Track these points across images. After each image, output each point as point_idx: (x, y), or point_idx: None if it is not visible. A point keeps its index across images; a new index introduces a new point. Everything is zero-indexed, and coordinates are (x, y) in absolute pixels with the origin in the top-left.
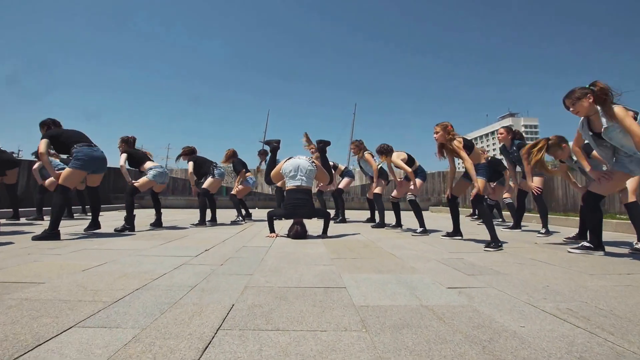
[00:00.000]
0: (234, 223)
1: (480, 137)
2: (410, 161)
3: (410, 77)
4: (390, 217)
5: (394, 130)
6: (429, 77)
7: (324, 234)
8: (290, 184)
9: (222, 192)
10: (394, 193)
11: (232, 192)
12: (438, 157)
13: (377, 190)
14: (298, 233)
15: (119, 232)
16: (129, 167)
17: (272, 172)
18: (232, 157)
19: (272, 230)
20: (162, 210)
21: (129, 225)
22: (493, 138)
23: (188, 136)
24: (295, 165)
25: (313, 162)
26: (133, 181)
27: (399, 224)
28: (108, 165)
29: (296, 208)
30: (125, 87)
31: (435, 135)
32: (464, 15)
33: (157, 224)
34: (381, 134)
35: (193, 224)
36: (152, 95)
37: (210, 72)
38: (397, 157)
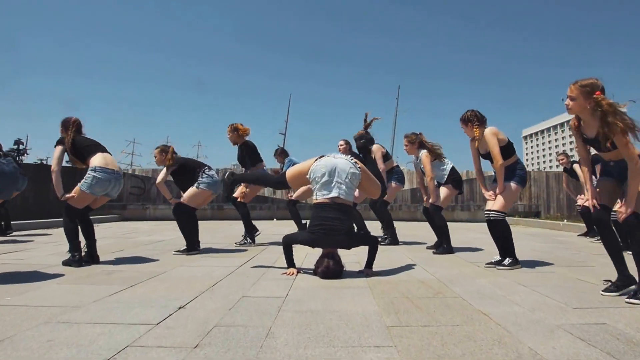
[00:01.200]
0: (239, 247)
1: (555, 126)
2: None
3: (465, 52)
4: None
5: (447, 119)
6: (488, 53)
7: (368, 269)
8: (320, 196)
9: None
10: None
11: (235, 195)
12: (576, 142)
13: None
14: (330, 270)
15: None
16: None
17: (292, 172)
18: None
19: (290, 264)
20: (151, 222)
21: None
22: (570, 128)
23: (191, 129)
24: (331, 166)
25: (356, 162)
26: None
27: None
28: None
29: (329, 234)
30: (110, 71)
31: (568, 100)
32: None
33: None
34: (430, 124)
35: (177, 251)
36: (146, 80)
37: (215, 50)
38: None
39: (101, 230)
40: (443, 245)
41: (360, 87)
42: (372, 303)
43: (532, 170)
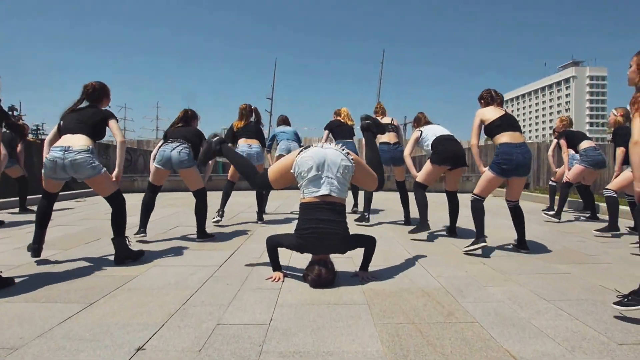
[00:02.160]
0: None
1: (535, 90)
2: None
3: (449, 20)
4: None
5: (431, 87)
6: (473, 19)
7: (364, 271)
8: (308, 194)
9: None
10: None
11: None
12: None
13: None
14: (322, 279)
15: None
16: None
17: (273, 171)
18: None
19: (276, 267)
20: (139, 195)
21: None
22: (551, 93)
23: (176, 94)
24: (319, 158)
25: (348, 153)
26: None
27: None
28: None
29: (321, 239)
30: (96, 39)
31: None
32: None
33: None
34: (413, 93)
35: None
36: (133, 51)
37: (201, 19)
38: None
39: (87, 207)
40: (415, 226)
41: (346, 56)
42: (373, 336)
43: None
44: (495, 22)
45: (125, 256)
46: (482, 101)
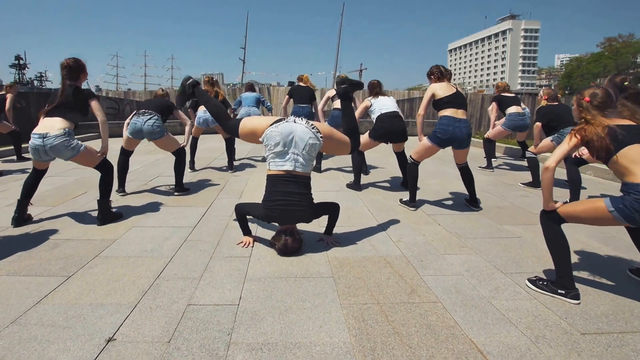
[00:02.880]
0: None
1: (476, 41)
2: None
3: None
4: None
5: (381, 40)
6: None
7: (328, 236)
8: (274, 166)
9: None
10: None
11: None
12: None
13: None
14: (288, 248)
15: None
16: None
17: (245, 126)
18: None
19: (245, 232)
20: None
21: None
22: (489, 44)
23: (165, 40)
24: (287, 134)
25: (317, 130)
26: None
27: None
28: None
29: (286, 210)
30: None
31: None
32: None
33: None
34: (367, 46)
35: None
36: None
37: None
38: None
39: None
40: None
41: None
42: (340, 321)
43: (466, 90)
44: None
45: (108, 218)
46: (433, 77)
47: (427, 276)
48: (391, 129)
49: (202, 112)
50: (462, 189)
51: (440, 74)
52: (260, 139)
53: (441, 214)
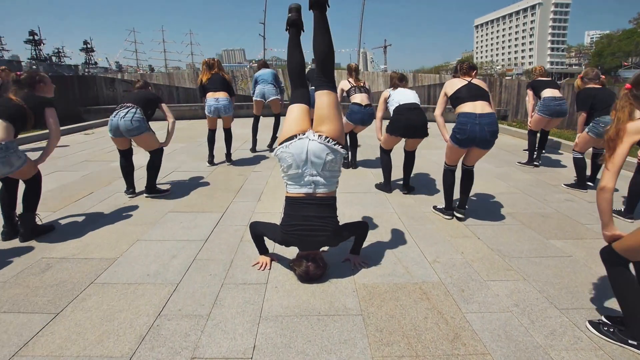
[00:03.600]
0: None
1: (504, 17)
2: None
3: None
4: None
5: (406, 19)
6: None
7: (355, 255)
8: (292, 189)
9: None
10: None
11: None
12: None
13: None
14: (310, 275)
15: None
16: None
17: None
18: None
19: (262, 250)
20: None
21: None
22: (517, 19)
23: (183, 16)
24: (299, 155)
25: (331, 140)
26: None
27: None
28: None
29: (306, 236)
30: None
31: None
32: None
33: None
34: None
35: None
36: None
37: None
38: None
39: (92, 144)
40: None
41: None
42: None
43: (497, 75)
44: None
45: (30, 234)
46: (453, 75)
47: (471, 314)
48: (409, 122)
49: (213, 100)
50: (498, 191)
51: (455, 70)
52: (274, 154)
53: (479, 224)
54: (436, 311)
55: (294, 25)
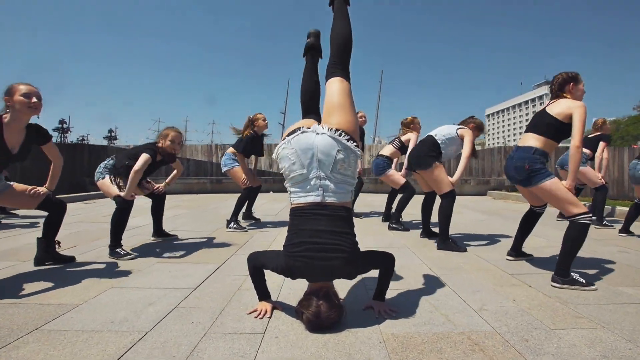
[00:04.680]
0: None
1: (514, 106)
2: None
3: (440, 44)
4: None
5: (422, 100)
6: (455, 43)
7: (380, 302)
8: (296, 198)
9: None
10: None
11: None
12: None
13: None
14: (321, 318)
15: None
16: None
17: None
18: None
19: (262, 295)
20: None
21: None
22: (526, 108)
23: (205, 109)
24: (305, 152)
25: (348, 137)
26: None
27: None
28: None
29: (317, 259)
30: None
31: None
32: None
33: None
34: (405, 106)
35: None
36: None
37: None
38: None
39: (91, 210)
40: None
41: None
42: None
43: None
44: (476, 45)
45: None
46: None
47: None
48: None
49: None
50: (537, 242)
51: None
52: (274, 156)
53: (527, 272)
54: None
55: (312, 50)
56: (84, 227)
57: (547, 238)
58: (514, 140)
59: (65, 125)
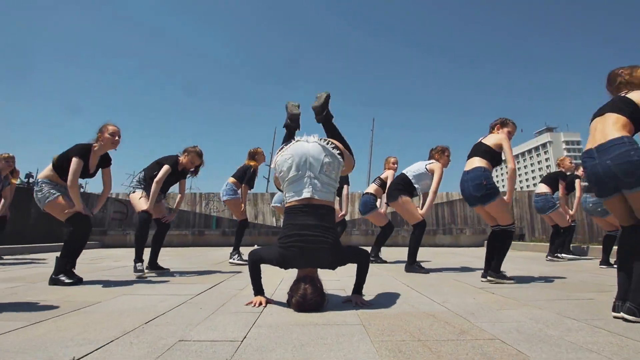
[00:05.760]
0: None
1: (516, 155)
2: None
3: (436, 88)
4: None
5: (416, 150)
6: (454, 87)
7: (358, 295)
8: (290, 197)
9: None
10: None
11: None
12: None
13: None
14: (308, 300)
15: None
16: None
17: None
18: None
19: (257, 290)
20: (131, 249)
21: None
22: (531, 157)
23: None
24: (299, 155)
25: (332, 143)
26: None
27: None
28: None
29: (305, 249)
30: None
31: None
32: (493, 14)
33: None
34: (399, 153)
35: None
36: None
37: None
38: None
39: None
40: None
41: (340, 116)
42: (370, 353)
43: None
44: (471, 88)
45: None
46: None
47: (481, 323)
48: None
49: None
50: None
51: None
52: (275, 174)
53: (495, 286)
54: (443, 322)
55: (291, 127)
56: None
57: (530, 271)
58: (521, 188)
59: (32, 180)
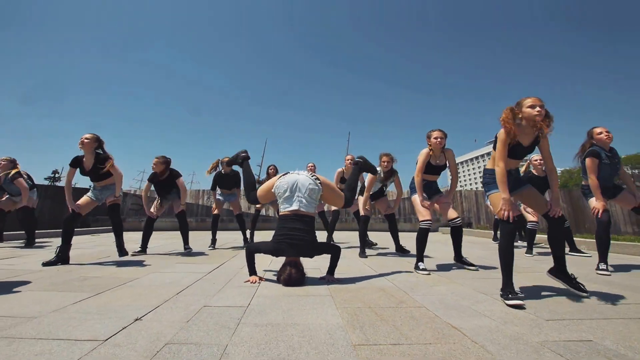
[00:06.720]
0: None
1: (466, 161)
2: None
3: (398, 106)
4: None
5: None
6: (412, 106)
7: (330, 275)
8: (283, 209)
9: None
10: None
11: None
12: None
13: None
14: (292, 278)
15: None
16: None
17: (261, 189)
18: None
19: (252, 271)
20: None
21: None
22: (478, 162)
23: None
24: (292, 182)
25: (317, 179)
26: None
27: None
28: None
29: (291, 244)
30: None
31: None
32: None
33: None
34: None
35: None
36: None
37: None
38: None
39: (98, 238)
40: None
41: (319, 131)
42: (335, 315)
43: (463, 189)
44: (437, 109)
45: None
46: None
47: (416, 295)
48: None
49: (218, 193)
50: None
51: None
52: (273, 190)
53: (455, 275)
54: (389, 294)
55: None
56: (101, 248)
57: (471, 255)
58: (469, 188)
59: (57, 175)
